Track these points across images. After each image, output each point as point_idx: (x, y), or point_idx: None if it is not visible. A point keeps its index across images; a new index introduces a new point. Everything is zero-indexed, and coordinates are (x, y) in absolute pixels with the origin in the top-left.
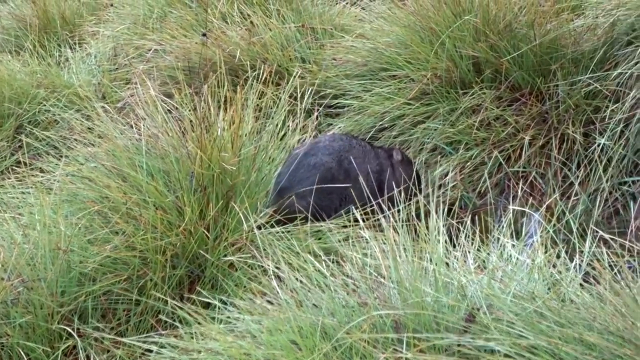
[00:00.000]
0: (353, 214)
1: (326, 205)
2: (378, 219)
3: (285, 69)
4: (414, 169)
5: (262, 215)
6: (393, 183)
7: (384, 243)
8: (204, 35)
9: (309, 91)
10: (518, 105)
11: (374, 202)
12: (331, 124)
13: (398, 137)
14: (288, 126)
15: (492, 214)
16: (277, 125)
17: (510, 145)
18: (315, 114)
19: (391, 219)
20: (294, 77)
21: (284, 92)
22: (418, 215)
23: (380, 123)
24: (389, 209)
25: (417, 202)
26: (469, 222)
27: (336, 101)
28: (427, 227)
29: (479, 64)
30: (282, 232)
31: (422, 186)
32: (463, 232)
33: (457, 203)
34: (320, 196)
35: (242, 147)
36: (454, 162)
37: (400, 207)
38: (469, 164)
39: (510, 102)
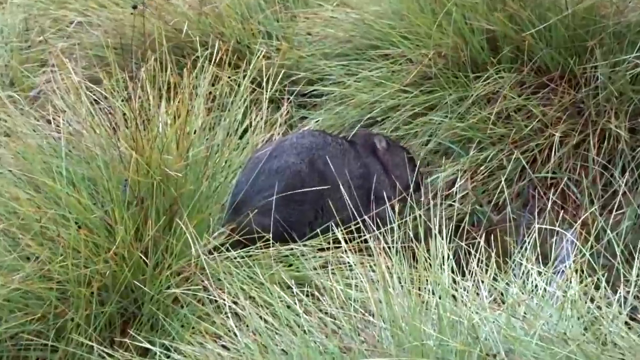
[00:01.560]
0: (333, 232)
1: (297, 221)
2: (365, 239)
3: (246, 47)
4: (405, 156)
5: (215, 235)
6: (384, 189)
7: (373, 271)
8: (135, 7)
9: (277, 75)
10: (545, 92)
11: (358, 218)
12: (306, 118)
13: (392, 134)
14: (250, 121)
15: (512, 233)
16: (235, 119)
17: (536, 145)
18: (285, 104)
19: (382, 239)
20: (258, 57)
21: (244, 76)
22: (417, 235)
23: (369, 116)
24: (379, 226)
25: (416, 218)
26: (482, 243)
27: (312, 88)
28: (429, 250)
29: (495, 39)
30: (242, 257)
31: (423, 184)
32: (475, 256)
33: (467, 219)
34: (288, 209)
35: (190, 148)
36: (464, 166)
37: (394, 224)
38: (482, 168)
39: (536, 89)
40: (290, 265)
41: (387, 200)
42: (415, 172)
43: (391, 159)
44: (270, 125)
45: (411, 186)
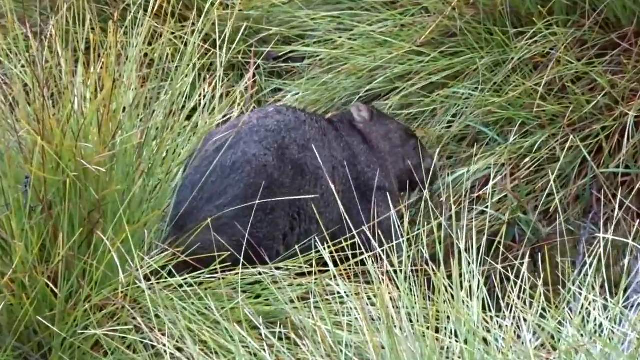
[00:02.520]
0: (316, 249)
1: (265, 236)
2: (361, 260)
3: None
4: (399, 128)
5: (153, 255)
6: (377, 178)
7: (373, 304)
8: None
9: (240, 31)
10: (615, 55)
11: (351, 225)
12: (280, 90)
13: (399, 112)
14: (201, 95)
15: (568, 251)
16: (181, 92)
17: (602, 128)
18: (251, 71)
19: (385, 259)
20: (212, 5)
21: (193, 32)
22: (434, 254)
23: (369, 87)
24: (381, 238)
25: (433, 230)
26: (525, 265)
27: (288, 49)
28: (450, 276)
29: None
30: (190, 286)
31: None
32: (515, 283)
33: (504, 231)
34: (253, 221)
35: (117, 133)
36: (501, 158)
37: (402, 236)
38: (527, 160)
39: (602, 50)
40: (258, 296)
41: (388, 195)
42: (421, 154)
43: (378, 132)
44: (229, 101)
45: (422, 173)
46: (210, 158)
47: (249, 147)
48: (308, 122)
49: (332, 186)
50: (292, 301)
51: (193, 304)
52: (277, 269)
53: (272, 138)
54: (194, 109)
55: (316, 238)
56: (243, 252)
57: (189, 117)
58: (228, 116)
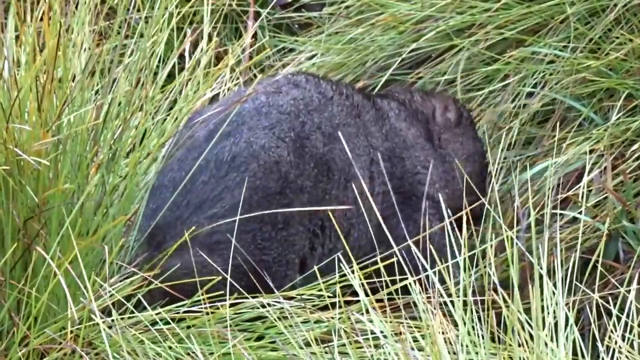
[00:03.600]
0: (341, 272)
1: (276, 260)
2: (404, 287)
3: None
4: (484, 154)
5: (116, 280)
6: (438, 187)
7: (419, 348)
8: None
9: None
10: None
11: (392, 242)
12: (292, 51)
13: (455, 83)
14: (179, 58)
15: None
16: (153, 54)
17: None
18: (251, 25)
19: (437, 285)
20: None
21: None
22: (506, 281)
23: (414, 47)
24: (433, 258)
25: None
26: (633, 293)
27: None
28: (528, 309)
29: None
30: (167, 323)
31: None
32: (618, 318)
33: (602, 245)
34: (260, 238)
35: (64, 110)
36: (599, 144)
37: (458, 257)
38: (635, 147)
39: None
40: (260, 337)
41: (444, 210)
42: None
43: (459, 145)
44: (221, 67)
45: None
46: (200, 149)
47: (255, 135)
48: (336, 99)
49: (366, 189)
50: (307, 344)
51: (171, 348)
52: (288, 299)
53: (286, 123)
54: (171, 77)
55: (340, 257)
56: (243, 280)
57: (163, 89)
58: (218, 90)
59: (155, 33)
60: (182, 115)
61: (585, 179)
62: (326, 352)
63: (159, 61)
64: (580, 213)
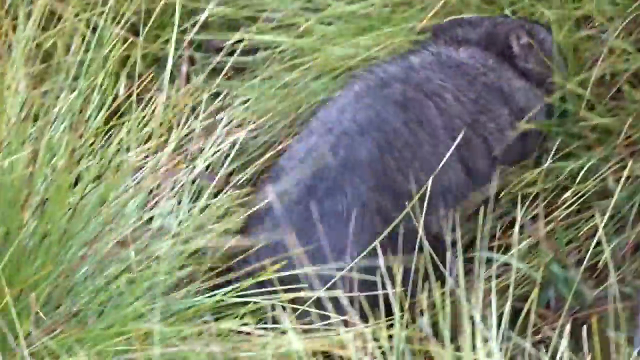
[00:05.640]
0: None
1: None
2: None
3: None
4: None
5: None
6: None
7: None
8: None
9: (168, 11)
10: None
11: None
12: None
13: None
14: (114, 100)
15: (622, 322)
16: (88, 98)
17: None
18: (184, 68)
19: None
20: None
21: (103, 14)
22: (436, 327)
23: None
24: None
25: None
26: (565, 341)
27: (236, 37)
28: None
29: None
30: None
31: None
32: None
33: (535, 293)
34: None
35: None
36: (532, 188)
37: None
38: (567, 195)
39: None
40: None
41: None
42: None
43: (537, 65)
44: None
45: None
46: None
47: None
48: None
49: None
50: None
51: None
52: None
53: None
54: (109, 127)
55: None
56: None
57: (109, 134)
58: (148, 132)
59: (90, 77)
60: (115, 161)
61: (517, 225)
62: None
63: (95, 105)
64: (511, 258)
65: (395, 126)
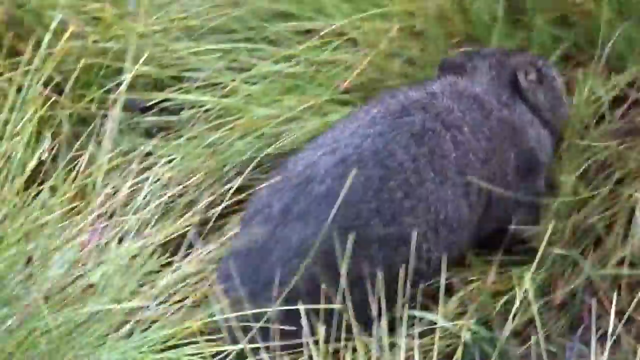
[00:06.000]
0: None
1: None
2: None
3: (35, 15)
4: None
5: None
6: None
7: None
8: None
9: (92, 70)
10: None
11: None
12: (148, 155)
13: None
14: (40, 155)
15: None
16: (11, 157)
17: (604, 209)
18: (109, 128)
19: None
20: (56, 34)
21: (28, 72)
22: None
23: (271, 150)
24: None
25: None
26: None
27: (161, 96)
28: None
29: None
30: None
31: None
32: None
33: (460, 352)
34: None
35: None
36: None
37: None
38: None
39: None
40: None
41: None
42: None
43: (545, 101)
44: (77, 167)
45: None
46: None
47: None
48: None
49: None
50: None
51: None
52: None
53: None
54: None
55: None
56: None
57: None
58: (73, 192)
59: (13, 136)
60: (39, 222)
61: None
62: None
63: (17, 165)
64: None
65: (400, 161)
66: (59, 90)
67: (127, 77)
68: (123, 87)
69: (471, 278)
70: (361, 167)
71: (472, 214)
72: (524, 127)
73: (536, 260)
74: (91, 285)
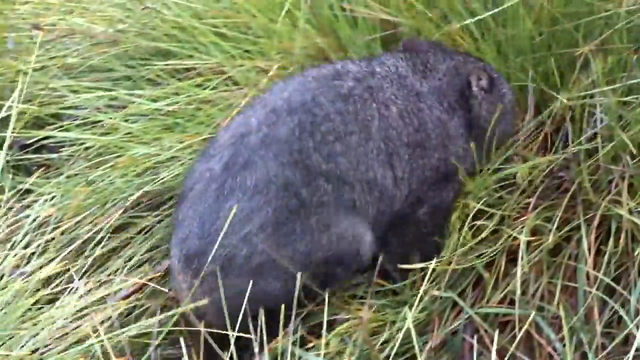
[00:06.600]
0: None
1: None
2: None
3: None
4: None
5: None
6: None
7: None
8: None
9: None
10: None
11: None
12: (29, 192)
13: None
14: None
15: None
16: None
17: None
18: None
19: None
20: None
21: None
22: None
23: (151, 189)
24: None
25: None
26: None
27: (40, 134)
28: None
29: None
30: None
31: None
32: None
33: None
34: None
35: None
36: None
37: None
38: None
39: None
40: None
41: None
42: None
43: (489, 113)
44: None
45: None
46: (220, 179)
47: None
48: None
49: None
50: None
51: None
52: None
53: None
54: None
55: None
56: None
57: None
58: None
59: None
60: None
61: (325, 321)
62: None
63: None
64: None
65: (327, 111)
66: None
67: (12, 115)
68: (11, 126)
69: (349, 316)
70: (291, 114)
71: (395, 191)
72: (457, 137)
73: (417, 300)
74: None
